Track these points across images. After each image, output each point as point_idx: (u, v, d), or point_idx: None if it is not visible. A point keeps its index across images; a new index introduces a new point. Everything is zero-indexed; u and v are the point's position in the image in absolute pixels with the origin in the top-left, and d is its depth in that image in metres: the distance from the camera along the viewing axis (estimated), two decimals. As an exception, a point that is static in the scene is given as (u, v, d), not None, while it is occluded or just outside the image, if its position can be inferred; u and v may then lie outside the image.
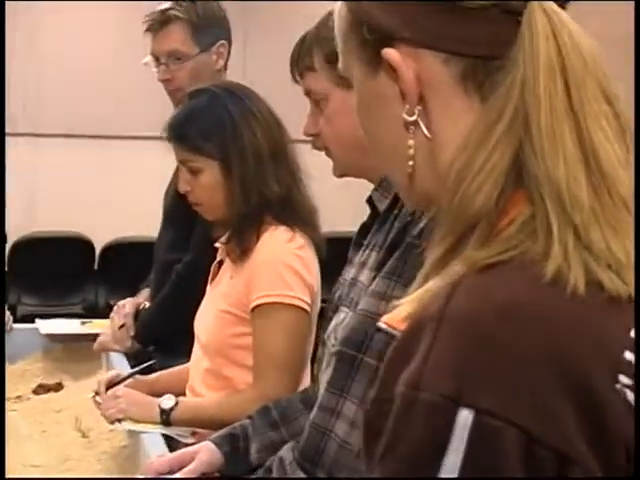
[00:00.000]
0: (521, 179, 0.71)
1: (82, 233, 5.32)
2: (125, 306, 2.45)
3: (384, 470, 0.65)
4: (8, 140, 5.22)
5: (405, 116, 0.77)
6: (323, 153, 1.84)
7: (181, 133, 1.94)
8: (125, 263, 5.23)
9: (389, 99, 0.78)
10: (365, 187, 1.49)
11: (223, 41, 2.48)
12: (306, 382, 1.90)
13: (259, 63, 5.23)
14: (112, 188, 5.48)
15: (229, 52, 2.51)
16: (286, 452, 1.33)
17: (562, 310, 0.66)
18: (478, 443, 0.61)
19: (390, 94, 0.78)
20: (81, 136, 5.47)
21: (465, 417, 0.62)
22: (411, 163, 0.78)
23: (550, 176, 0.70)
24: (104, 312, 5.13)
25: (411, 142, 0.77)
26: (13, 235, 5.28)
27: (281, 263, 1.83)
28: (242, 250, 1.86)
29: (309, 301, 1.85)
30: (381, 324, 0.76)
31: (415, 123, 0.77)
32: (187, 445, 1.79)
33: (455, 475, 0.62)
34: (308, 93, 1.44)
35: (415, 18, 0.75)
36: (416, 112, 0.77)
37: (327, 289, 1.94)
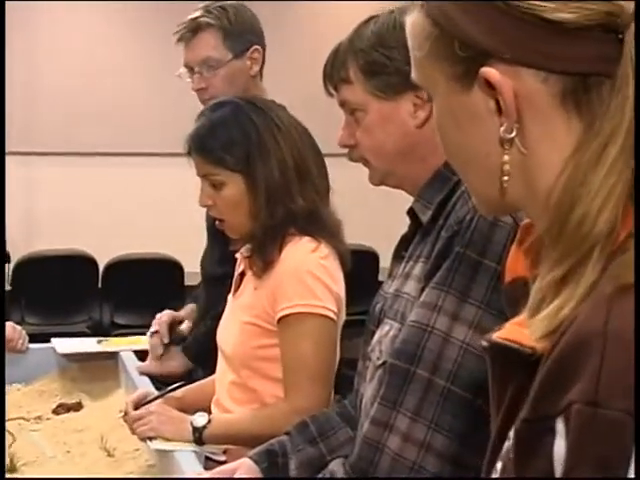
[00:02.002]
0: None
1: (85, 251, 5.30)
2: (162, 317, 2.42)
3: None
4: (7, 159, 5.24)
5: (503, 133, 0.78)
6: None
7: (204, 146, 1.90)
8: (129, 281, 5.22)
9: (483, 115, 0.79)
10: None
11: (257, 46, 2.43)
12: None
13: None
14: (115, 205, 5.47)
15: (264, 58, 2.46)
16: (337, 466, 1.31)
17: None
18: None
19: (484, 110, 0.79)
20: (82, 154, 5.47)
21: None
22: (506, 179, 0.79)
23: None
24: (109, 330, 5.13)
25: (506, 158, 0.78)
26: (15, 254, 5.26)
27: (306, 273, 1.81)
28: (265, 263, 1.84)
29: (336, 310, 1.82)
30: (499, 340, 0.75)
31: (511, 139, 0.78)
32: (220, 463, 1.77)
33: None
34: (343, 105, 1.42)
35: (515, 37, 0.76)
36: (514, 129, 0.77)
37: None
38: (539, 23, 0.75)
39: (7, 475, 1.91)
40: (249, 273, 1.94)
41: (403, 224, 1.45)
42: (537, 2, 0.75)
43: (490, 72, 0.77)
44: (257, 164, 1.86)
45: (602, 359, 0.65)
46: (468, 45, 0.78)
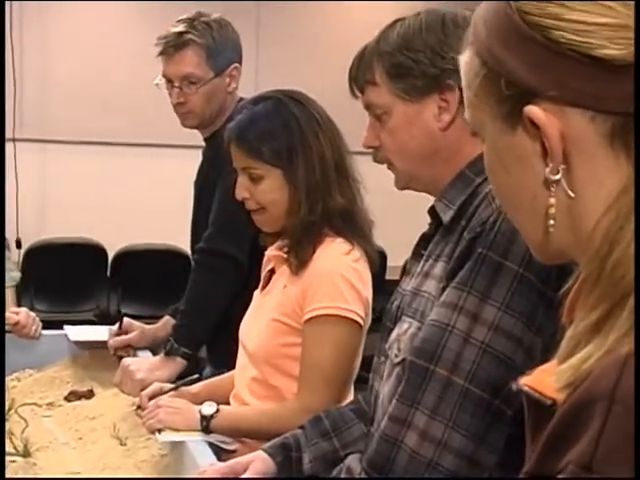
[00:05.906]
0: None
1: (94, 240, 5.32)
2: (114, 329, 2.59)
3: None
4: (19, 146, 5.25)
5: (549, 175, 0.75)
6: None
7: (244, 139, 1.86)
8: (137, 270, 5.24)
9: (529, 156, 0.77)
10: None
11: (236, 64, 2.48)
12: (349, 396, 1.88)
13: (271, 70, 5.24)
14: (125, 195, 5.48)
15: (240, 73, 2.50)
16: (353, 462, 1.32)
17: None
18: None
19: (530, 151, 0.76)
20: (95, 143, 5.48)
21: None
22: (552, 222, 0.76)
23: None
24: (116, 319, 5.13)
25: (552, 201, 0.76)
26: (26, 241, 5.29)
27: (338, 275, 1.80)
28: (300, 261, 1.83)
29: (363, 315, 1.82)
30: (524, 387, 0.73)
31: (557, 181, 0.75)
32: (230, 452, 1.79)
33: None
34: (368, 107, 1.43)
35: (560, 75, 0.73)
36: (560, 171, 0.75)
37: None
38: (585, 60, 0.72)
39: (20, 459, 1.93)
40: (279, 271, 1.93)
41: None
42: (582, 38, 0.72)
43: (534, 111, 0.74)
44: (298, 160, 1.84)
45: (604, 424, 0.63)
46: (513, 83, 0.75)
